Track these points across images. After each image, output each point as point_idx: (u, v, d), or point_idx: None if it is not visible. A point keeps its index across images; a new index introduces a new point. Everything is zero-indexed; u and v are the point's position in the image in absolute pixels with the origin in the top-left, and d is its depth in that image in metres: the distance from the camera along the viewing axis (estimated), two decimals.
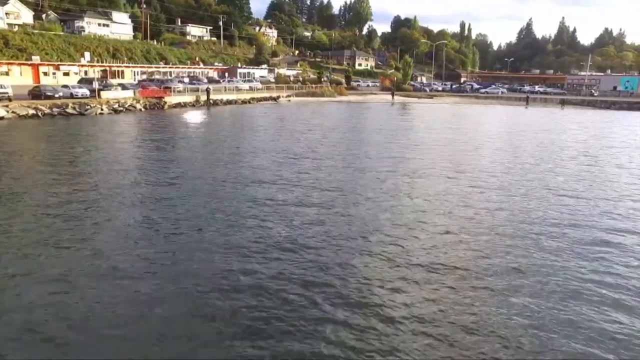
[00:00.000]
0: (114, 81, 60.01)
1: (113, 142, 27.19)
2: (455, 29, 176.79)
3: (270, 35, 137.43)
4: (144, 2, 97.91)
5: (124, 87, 51.45)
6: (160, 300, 8.82)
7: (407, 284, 9.71)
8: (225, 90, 61.89)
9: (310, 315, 8.39)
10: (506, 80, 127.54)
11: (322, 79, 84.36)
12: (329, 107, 60.96)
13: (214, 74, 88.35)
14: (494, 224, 13.68)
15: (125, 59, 79.44)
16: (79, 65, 67.17)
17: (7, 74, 57.10)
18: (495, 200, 16.36)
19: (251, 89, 67.36)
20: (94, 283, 9.38)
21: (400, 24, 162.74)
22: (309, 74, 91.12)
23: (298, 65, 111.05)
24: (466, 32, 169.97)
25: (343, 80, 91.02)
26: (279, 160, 22.56)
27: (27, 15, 78.91)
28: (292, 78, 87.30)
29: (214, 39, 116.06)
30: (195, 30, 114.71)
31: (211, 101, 54.31)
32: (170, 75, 78.76)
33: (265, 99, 64.03)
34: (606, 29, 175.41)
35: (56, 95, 42.46)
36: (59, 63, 65.25)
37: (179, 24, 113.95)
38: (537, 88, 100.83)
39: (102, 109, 41.41)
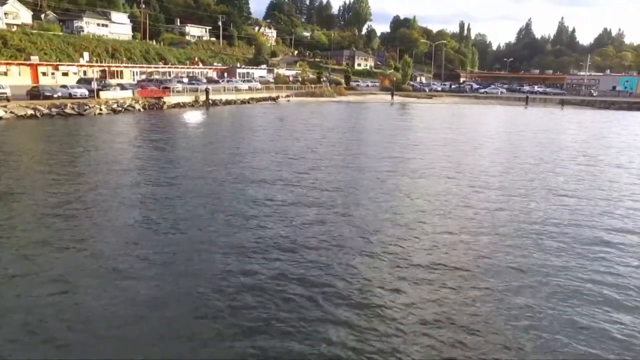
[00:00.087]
0: (113, 81, 59.98)
1: (112, 142, 27.13)
2: (455, 29, 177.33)
3: (270, 35, 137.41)
4: (143, 2, 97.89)
5: (122, 87, 51.40)
6: (160, 300, 8.79)
7: (407, 283, 9.69)
8: (225, 90, 61.83)
9: (310, 315, 8.37)
10: (505, 80, 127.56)
11: (322, 79, 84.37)
12: (329, 107, 60.93)
13: (213, 74, 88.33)
14: (494, 224, 13.67)
15: (124, 59, 79.38)
16: (77, 66, 67.11)
17: (5, 74, 57.05)
18: (496, 200, 16.35)
19: (250, 89, 67.31)
20: (93, 283, 9.35)
21: (400, 24, 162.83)
22: (308, 74, 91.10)
23: (297, 65, 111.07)
24: (465, 32, 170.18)
25: (342, 81, 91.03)
26: (278, 160, 22.53)
27: (25, 15, 78.83)
28: (291, 78, 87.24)
29: (213, 39, 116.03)
30: (195, 30, 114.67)
31: (210, 101, 54.26)
32: (169, 75, 78.75)
33: (264, 99, 63.97)
34: (605, 29, 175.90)
35: (55, 96, 42.37)
36: (58, 63, 65.19)
37: (178, 24, 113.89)
38: (536, 88, 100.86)
39: (101, 109, 41.34)
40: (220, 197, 15.70)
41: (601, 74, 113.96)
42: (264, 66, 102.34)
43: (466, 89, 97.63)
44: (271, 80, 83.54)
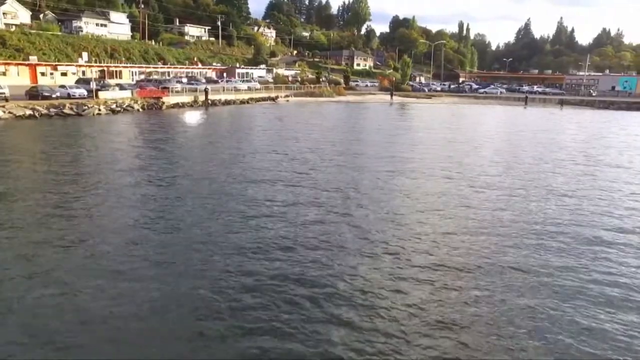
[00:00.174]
0: (112, 81, 59.82)
1: (111, 142, 27.06)
2: (454, 29, 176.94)
3: (269, 35, 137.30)
4: (142, 2, 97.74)
5: (121, 87, 51.28)
6: (160, 300, 8.76)
7: (407, 284, 9.66)
8: (224, 90, 61.73)
9: (310, 315, 8.34)
10: (505, 80, 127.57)
11: (321, 79, 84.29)
12: (328, 107, 60.88)
13: (212, 74, 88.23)
14: (495, 224, 13.64)
15: (123, 59, 79.24)
16: (76, 66, 66.98)
17: (4, 74, 56.92)
18: (496, 200, 16.33)
19: (249, 89, 67.22)
20: (93, 283, 9.31)
21: (399, 24, 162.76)
22: (307, 74, 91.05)
23: (296, 65, 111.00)
24: (464, 32, 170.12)
25: (341, 81, 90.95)
26: (278, 160, 22.48)
27: (24, 15, 78.66)
28: (290, 78, 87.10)
29: (212, 39, 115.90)
30: (194, 30, 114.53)
31: (209, 101, 54.15)
32: (169, 75, 78.64)
33: (263, 99, 63.88)
34: (604, 29, 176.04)
35: (53, 96, 42.25)
36: (57, 63, 65.05)
37: (177, 24, 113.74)
38: (535, 88, 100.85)
39: (99, 110, 41.23)
40: (220, 197, 15.64)
41: (600, 74, 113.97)
42: (263, 66, 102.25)
43: (465, 89, 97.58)
44: (270, 80, 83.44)
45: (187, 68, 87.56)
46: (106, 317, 8.18)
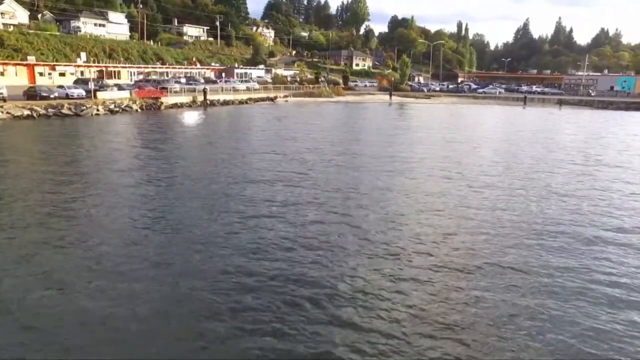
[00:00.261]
0: (110, 81, 59.73)
1: (109, 143, 26.99)
2: (453, 29, 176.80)
3: (267, 35, 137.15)
4: (141, 2, 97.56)
5: (120, 87, 51.19)
6: (160, 301, 8.74)
7: (407, 284, 9.61)
8: (222, 90, 61.65)
9: (310, 315, 8.31)
10: (503, 80, 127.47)
11: (320, 79, 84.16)
12: (327, 107, 60.81)
13: (210, 74, 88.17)
14: (495, 224, 13.60)
15: (122, 59, 79.12)
16: (75, 66, 66.86)
17: (2, 74, 56.82)
18: (496, 200, 16.28)
19: (248, 89, 67.13)
20: (92, 284, 9.28)
21: (398, 24, 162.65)
22: (306, 74, 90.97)
23: (295, 65, 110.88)
24: (463, 32, 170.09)
25: (340, 81, 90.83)
26: (277, 161, 22.42)
27: (22, 15, 78.49)
28: (289, 78, 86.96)
29: (210, 39, 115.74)
30: (192, 31, 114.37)
31: (208, 102, 54.06)
32: (167, 75, 78.56)
33: (262, 99, 63.80)
34: (602, 29, 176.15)
35: (51, 96, 42.17)
36: (55, 63, 64.92)
37: (176, 24, 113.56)
38: (534, 88, 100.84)
39: (98, 110, 41.13)
40: (220, 198, 15.59)
41: (599, 74, 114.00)
42: (261, 66, 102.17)
43: (464, 89, 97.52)
44: (269, 80, 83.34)
45: (185, 68, 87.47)
46: (106, 317, 8.15)
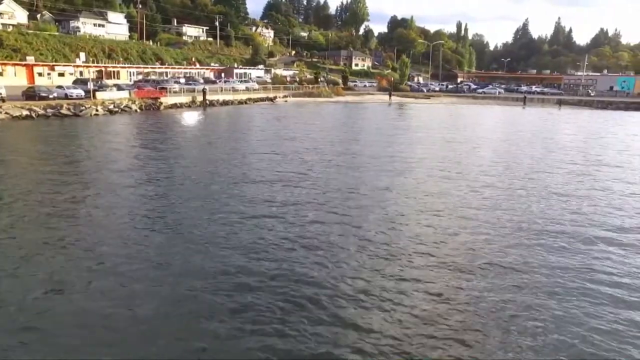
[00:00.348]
0: (110, 82, 59.63)
1: (108, 143, 26.94)
2: (452, 29, 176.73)
3: (267, 35, 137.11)
4: (140, 2, 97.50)
5: (119, 87, 51.12)
6: (160, 300, 8.71)
7: (408, 284, 9.59)
8: (222, 90, 61.56)
9: (310, 315, 8.28)
10: (503, 80, 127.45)
11: (319, 79, 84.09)
12: (326, 107, 60.76)
13: (210, 75, 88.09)
14: (495, 224, 13.57)
15: (121, 59, 79.03)
16: (74, 66, 66.74)
17: (1, 74, 56.72)
18: (496, 200, 16.26)
19: (247, 89, 67.07)
20: (91, 284, 9.26)
21: (397, 24, 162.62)
22: (305, 74, 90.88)
23: (295, 65, 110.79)
24: (463, 32, 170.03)
25: (340, 81, 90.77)
26: (276, 161, 22.39)
27: (21, 15, 78.35)
28: (288, 78, 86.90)
29: (210, 39, 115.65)
30: (192, 31, 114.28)
31: (207, 102, 54.00)
32: (166, 75, 78.44)
33: (261, 99, 63.75)
34: (602, 29, 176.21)
35: (50, 96, 42.08)
36: (54, 63, 64.81)
37: (175, 24, 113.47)
38: (534, 88, 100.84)
39: (97, 110, 41.05)
40: (219, 198, 15.54)
41: (598, 74, 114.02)
42: (261, 66, 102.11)
43: (464, 89, 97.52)
44: (268, 80, 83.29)
45: (185, 68, 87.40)
46: (106, 317, 8.14)
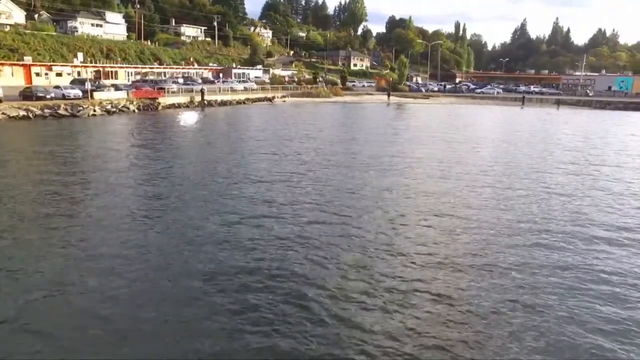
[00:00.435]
0: (107, 82, 59.48)
1: (106, 143, 26.85)
2: (450, 29, 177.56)
3: (265, 35, 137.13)
4: (138, 2, 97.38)
5: (117, 87, 50.98)
6: (160, 301, 8.68)
7: (408, 283, 9.54)
8: (220, 91, 61.47)
9: (310, 315, 8.26)
10: (501, 80, 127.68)
11: (318, 80, 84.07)
12: (325, 107, 60.72)
13: (208, 75, 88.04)
14: (495, 223, 13.54)
15: (119, 59, 78.92)
16: (71, 66, 66.58)
17: None
18: (496, 200, 16.24)
19: (246, 89, 67.02)
20: (91, 284, 9.21)
21: (395, 24, 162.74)
22: (304, 75, 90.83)
23: (293, 65, 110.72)
24: (461, 32, 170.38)
25: (338, 81, 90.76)
26: (275, 161, 22.35)
27: (19, 15, 78.18)
28: (287, 78, 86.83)
29: (208, 39, 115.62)
30: (190, 31, 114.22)
31: (206, 102, 53.89)
32: (164, 75, 78.35)
33: (260, 99, 63.68)
34: (599, 30, 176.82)
35: (48, 96, 41.93)
36: (52, 64, 64.65)
37: (173, 24, 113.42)
38: (532, 88, 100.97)
39: (94, 110, 40.91)
40: (219, 198, 15.49)
41: (597, 74, 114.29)
42: (259, 66, 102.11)
43: (462, 89, 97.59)
44: (267, 80, 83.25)
45: (183, 68, 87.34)
46: (106, 317, 8.11)
